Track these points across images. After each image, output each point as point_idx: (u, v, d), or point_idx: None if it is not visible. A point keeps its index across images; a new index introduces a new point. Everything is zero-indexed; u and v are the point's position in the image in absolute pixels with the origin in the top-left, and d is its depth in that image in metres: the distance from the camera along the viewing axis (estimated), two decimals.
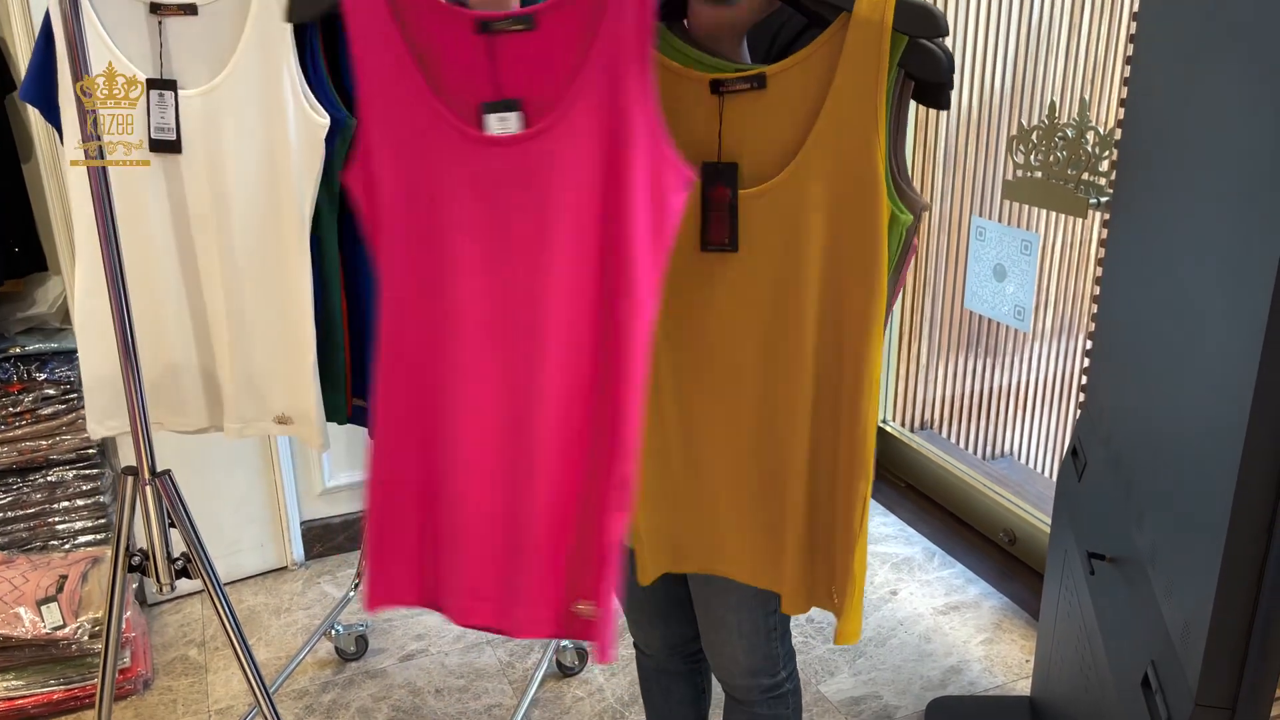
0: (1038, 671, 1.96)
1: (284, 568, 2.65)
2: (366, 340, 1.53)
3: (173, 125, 1.37)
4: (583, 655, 2.22)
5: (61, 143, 1.43)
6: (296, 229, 1.40)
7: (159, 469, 1.35)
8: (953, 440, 3.06)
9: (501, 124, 1.03)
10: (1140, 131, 1.51)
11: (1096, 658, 1.48)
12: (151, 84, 1.35)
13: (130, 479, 1.35)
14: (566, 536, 1.11)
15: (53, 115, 1.41)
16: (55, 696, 2.07)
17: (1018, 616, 2.39)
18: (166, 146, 1.38)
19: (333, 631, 2.27)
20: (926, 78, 1.05)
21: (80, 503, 2.33)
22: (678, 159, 1.03)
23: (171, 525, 1.36)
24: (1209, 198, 1.20)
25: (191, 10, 1.35)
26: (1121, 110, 1.64)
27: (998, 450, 3.10)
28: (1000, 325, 2.95)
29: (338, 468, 2.66)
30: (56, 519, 2.33)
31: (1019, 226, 2.75)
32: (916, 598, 2.48)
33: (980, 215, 2.82)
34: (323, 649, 2.29)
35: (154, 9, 1.35)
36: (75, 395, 2.26)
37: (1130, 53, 1.62)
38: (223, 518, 2.51)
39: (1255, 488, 1.04)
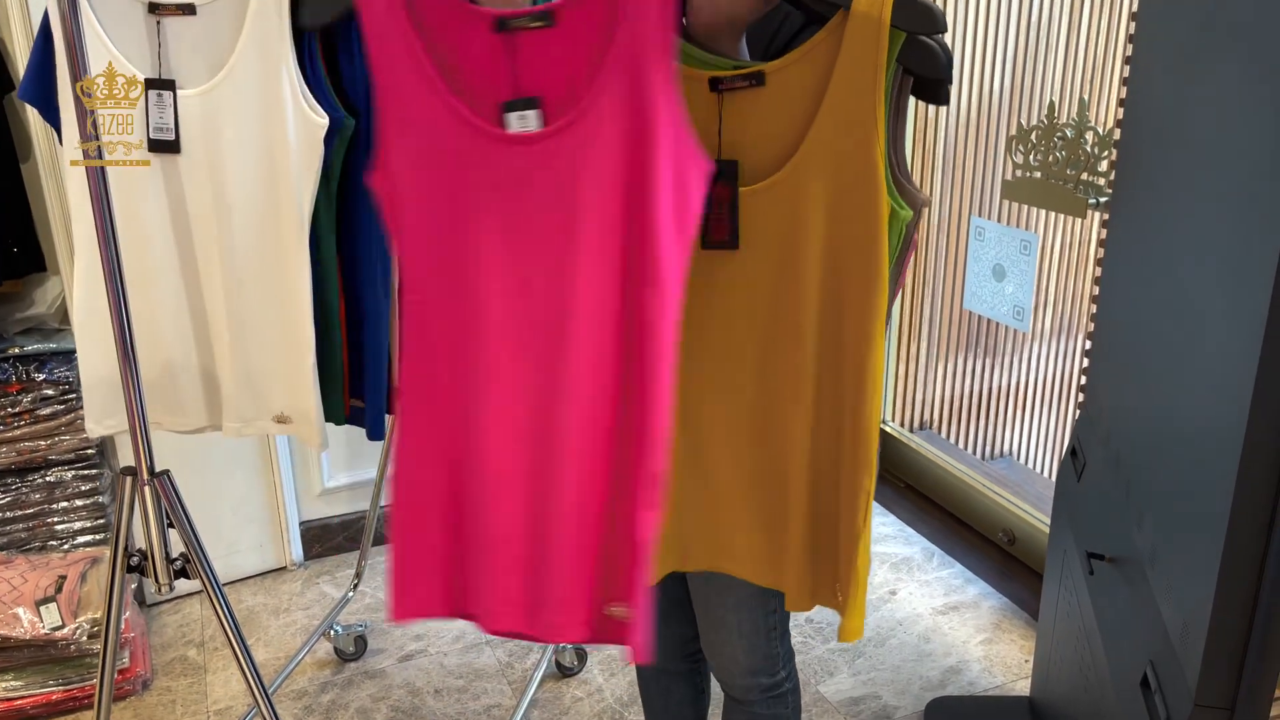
0: (1037, 672, 1.96)
1: (283, 568, 2.65)
2: (364, 341, 1.53)
3: (171, 125, 1.37)
4: (582, 656, 2.21)
5: (60, 143, 1.43)
6: (295, 229, 1.40)
7: (158, 469, 1.35)
8: (952, 440, 3.06)
9: (521, 122, 1.02)
10: (1139, 131, 1.51)
11: (1096, 658, 1.48)
12: (150, 84, 1.35)
13: (129, 479, 1.34)
14: (596, 537, 1.09)
15: (51, 115, 1.41)
16: (54, 697, 2.07)
17: (1017, 616, 2.39)
18: (165, 147, 1.38)
19: (332, 632, 2.27)
20: (925, 74, 1.05)
21: (79, 503, 2.33)
22: (699, 150, 1.02)
23: (170, 525, 1.36)
24: (1208, 197, 1.20)
25: (190, 10, 1.35)
26: (1120, 110, 1.64)
27: (997, 450, 3.10)
28: (999, 325, 2.95)
29: (337, 468, 2.66)
30: (55, 519, 2.32)
31: (1018, 226, 2.75)
32: (916, 598, 2.47)
33: (979, 215, 2.82)
34: (322, 649, 2.29)
35: (152, 9, 1.35)
36: (74, 396, 2.26)
37: (1129, 52, 1.62)
38: (222, 518, 2.51)
39: (1255, 487, 1.04)
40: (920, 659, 2.24)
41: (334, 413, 1.53)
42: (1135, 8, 1.60)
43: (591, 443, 1.06)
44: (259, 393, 1.49)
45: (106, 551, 2.26)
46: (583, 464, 1.07)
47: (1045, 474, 3.08)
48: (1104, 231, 1.75)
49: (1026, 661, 2.22)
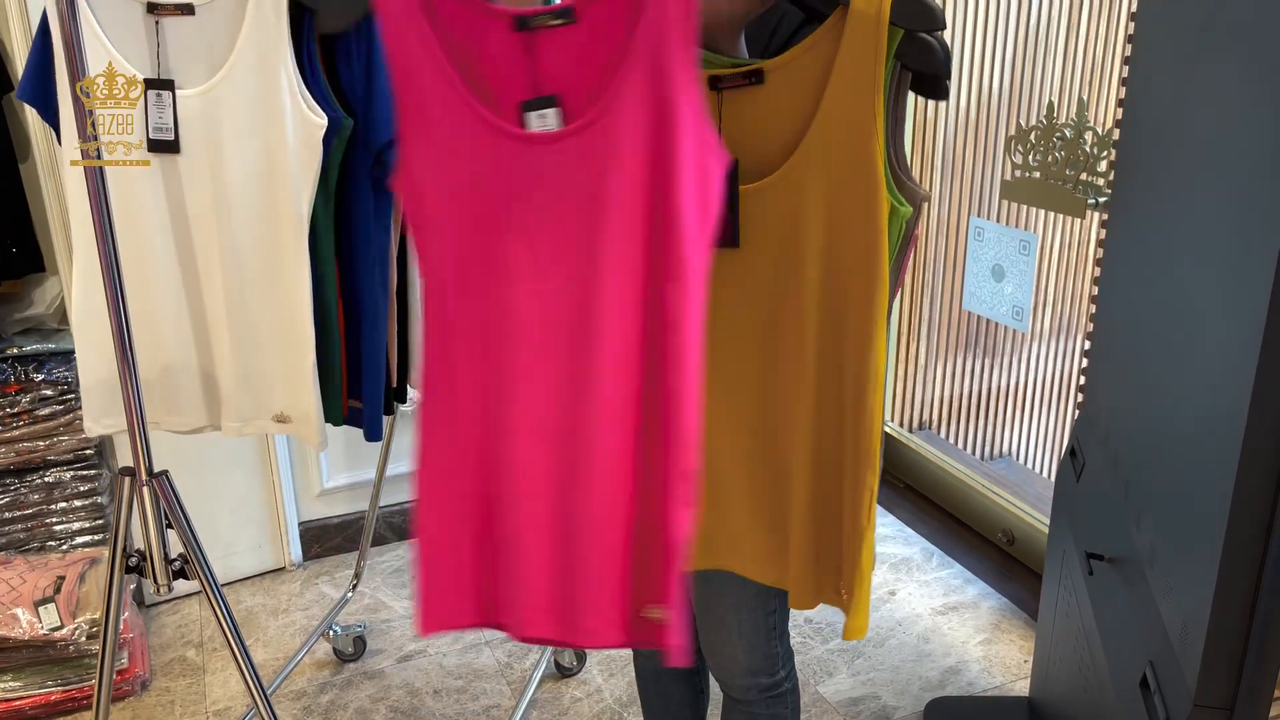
0: (1036, 672, 1.96)
1: (282, 568, 2.65)
2: (362, 342, 1.52)
3: (171, 125, 1.37)
4: (581, 656, 2.21)
5: (59, 143, 1.43)
6: (294, 229, 1.40)
7: (156, 470, 1.35)
8: (951, 441, 3.06)
9: (541, 121, 1.01)
10: (1138, 131, 1.51)
11: (1095, 658, 1.48)
12: (149, 84, 1.35)
13: (127, 480, 1.34)
14: (627, 538, 1.07)
15: (50, 115, 1.41)
16: (53, 697, 2.07)
17: (1016, 617, 2.39)
18: (165, 147, 1.38)
19: (331, 632, 2.27)
20: (923, 69, 1.05)
21: (78, 503, 2.33)
22: (719, 145, 1.01)
23: (169, 526, 1.36)
24: (1207, 197, 1.19)
25: (188, 10, 1.35)
26: (1120, 110, 1.64)
27: (996, 450, 3.10)
28: (998, 325, 2.95)
29: (336, 468, 2.66)
30: (54, 520, 2.32)
31: (1017, 227, 2.74)
32: (915, 598, 2.47)
33: (978, 215, 2.82)
34: (321, 650, 2.28)
35: (151, 9, 1.35)
36: (73, 396, 2.26)
37: (1128, 53, 1.62)
38: (220, 518, 2.51)
39: (1254, 488, 1.04)
40: (919, 659, 2.24)
41: (332, 414, 1.53)
42: (1134, 8, 1.60)
43: (619, 441, 1.05)
44: (259, 392, 1.49)
45: (105, 552, 2.26)
46: (610, 463, 1.05)
47: (1044, 474, 3.08)
48: (1103, 231, 1.75)
49: (1026, 662, 2.22)
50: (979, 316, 2.87)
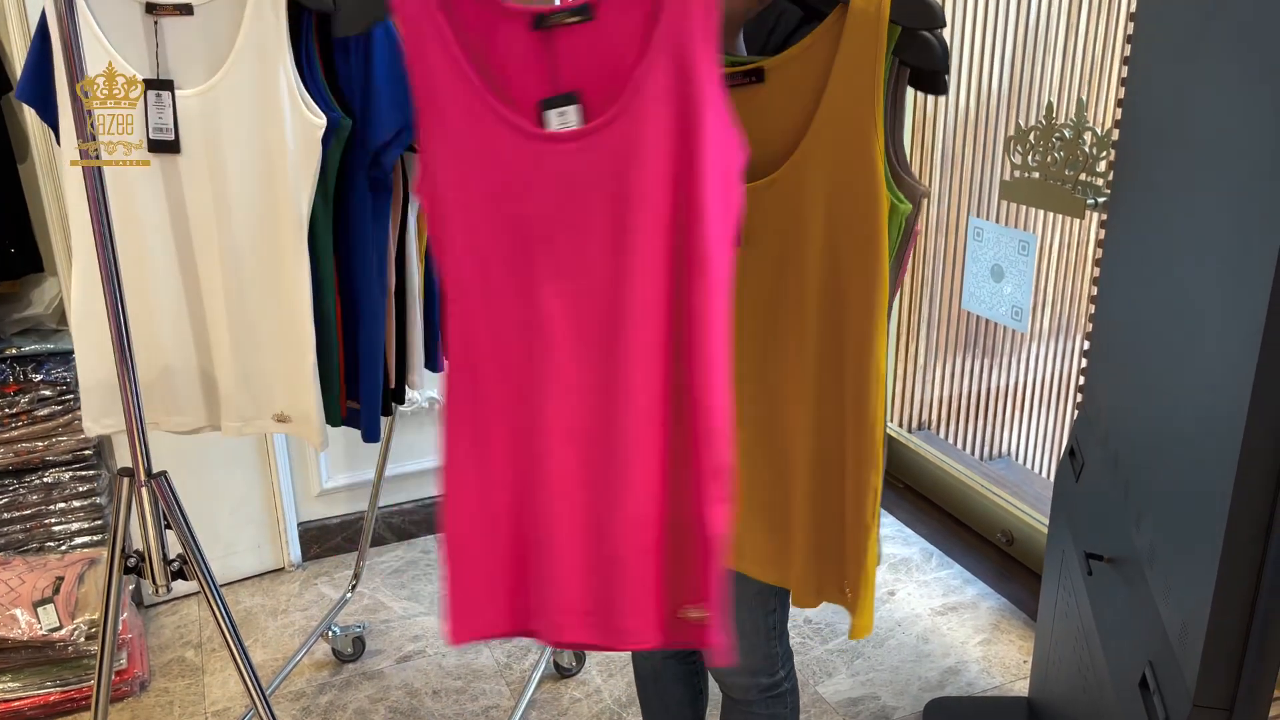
0: (1035, 672, 1.96)
1: (281, 569, 2.64)
2: (360, 343, 1.52)
3: (171, 125, 1.37)
4: (580, 657, 2.21)
5: (58, 143, 1.43)
6: (293, 229, 1.40)
7: (155, 470, 1.35)
8: (950, 441, 3.06)
9: (561, 119, 1.01)
10: (1138, 131, 1.51)
11: (1094, 658, 1.48)
12: (149, 84, 1.35)
13: (126, 480, 1.34)
14: (660, 536, 1.06)
15: (49, 115, 1.41)
16: (52, 698, 2.06)
17: (1015, 617, 2.39)
18: (165, 147, 1.38)
19: (330, 633, 2.27)
20: (922, 66, 1.05)
21: (76, 504, 2.33)
22: (740, 139, 1.01)
23: (168, 527, 1.36)
24: (1207, 197, 1.19)
25: (187, 10, 1.35)
26: (1119, 110, 1.64)
27: (995, 451, 3.10)
28: (998, 326, 2.95)
29: (335, 469, 2.65)
30: (53, 520, 2.32)
31: (1016, 227, 2.75)
32: (914, 598, 2.47)
33: (978, 216, 2.82)
34: (320, 650, 2.28)
35: (149, 9, 1.35)
36: (71, 397, 2.26)
37: (1128, 52, 1.62)
38: (220, 519, 2.51)
39: (1253, 488, 1.04)
40: (919, 660, 2.24)
41: (330, 414, 1.53)
42: (1134, 7, 1.59)
43: (649, 440, 1.04)
44: (259, 392, 1.49)
45: (104, 553, 2.26)
46: (641, 462, 1.04)
47: (1044, 474, 3.08)
48: (1102, 232, 1.75)
49: (1025, 662, 2.22)
50: (978, 316, 2.87)
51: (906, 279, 2.85)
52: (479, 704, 2.12)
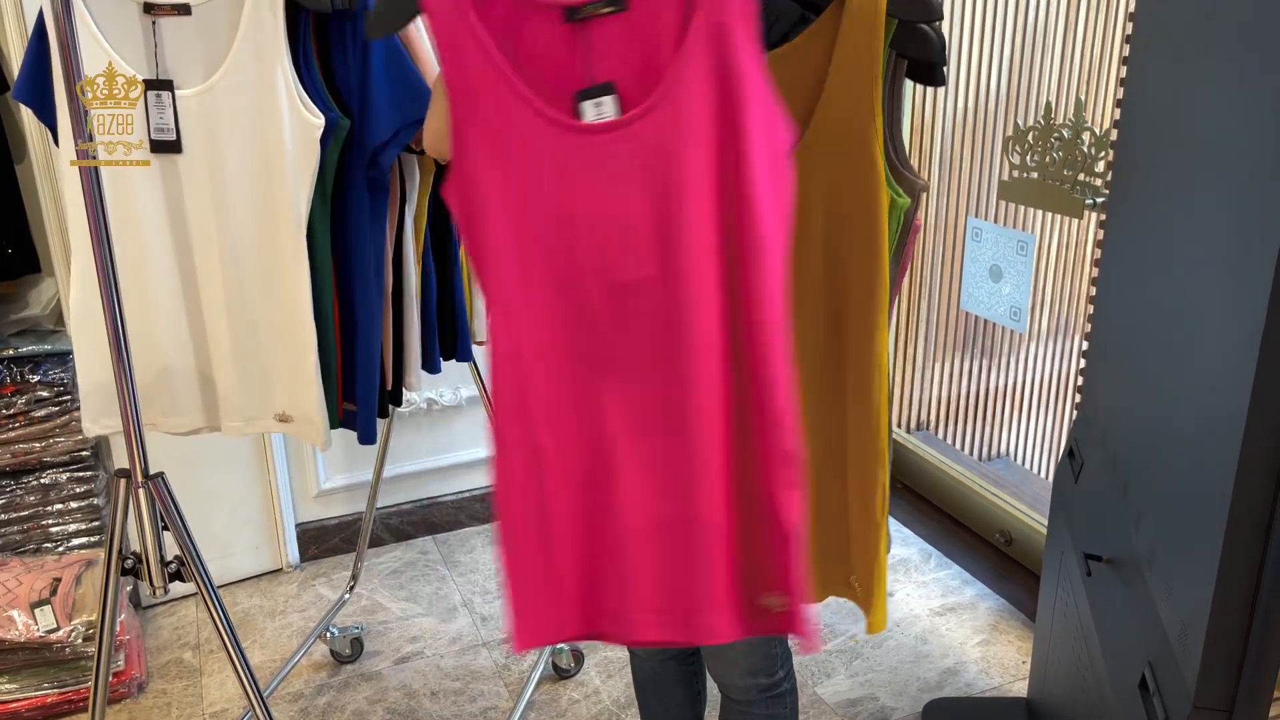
0: (1034, 673, 1.95)
1: (279, 570, 2.64)
2: (357, 344, 1.52)
3: (172, 125, 1.37)
4: (579, 657, 2.21)
5: (56, 144, 1.42)
6: (292, 229, 1.39)
7: (152, 471, 1.35)
8: (949, 441, 3.06)
9: (597, 109, 0.99)
10: (1136, 131, 1.51)
11: (1093, 659, 1.48)
12: (149, 84, 1.35)
13: (123, 482, 1.34)
14: (731, 525, 1.04)
15: (47, 115, 1.40)
16: (49, 700, 2.06)
17: (1014, 618, 2.39)
18: (167, 147, 1.38)
19: (328, 634, 2.27)
20: (919, 58, 1.05)
21: (74, 505, 2.32)
22: (786, 116, 0.99)
23: (165, 528, 1.36)
24: (1206, 197, 1.19)
25: (185, 10, 1.35)
26: (1117, 110, 1.64)
27: (994, 451, 3.10)
28: (996, 326, 2.95)
29: (333, 470, 2.65)
30: (50, 521, 2.32)
31: (1015, 227, 2.74)
32: (913, 599, 2.47)
33: (976, 216, 2.82)
34: (318, 652, 2.28)
35: (147, 9, 1.35)
36: (69, 398, 2.25)
37: (1126, 53, 1.62)
38: (217, 520, 2.51)
39: (1253, 488, 1.04)
40: (917, 660, 2.24)
41: (328, 416, 1.53)
42: (1132, 8, 1.59)
43: (713, 429, 1.02)
44: (261, 392, 1.49)
45: (101, 554, 2.25)
46: (707, 452, 1.03)
47: (1042, 475, 3.08)
48: (1101, 232, 1.75)
49: (1024, 663, 2.22)
50: (977, 317, 2.86)
51: (905, 279, 2.85)
52: (477, 705, 2.12)
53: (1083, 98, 2.68)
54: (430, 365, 1.68)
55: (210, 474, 2.45)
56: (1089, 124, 1.81)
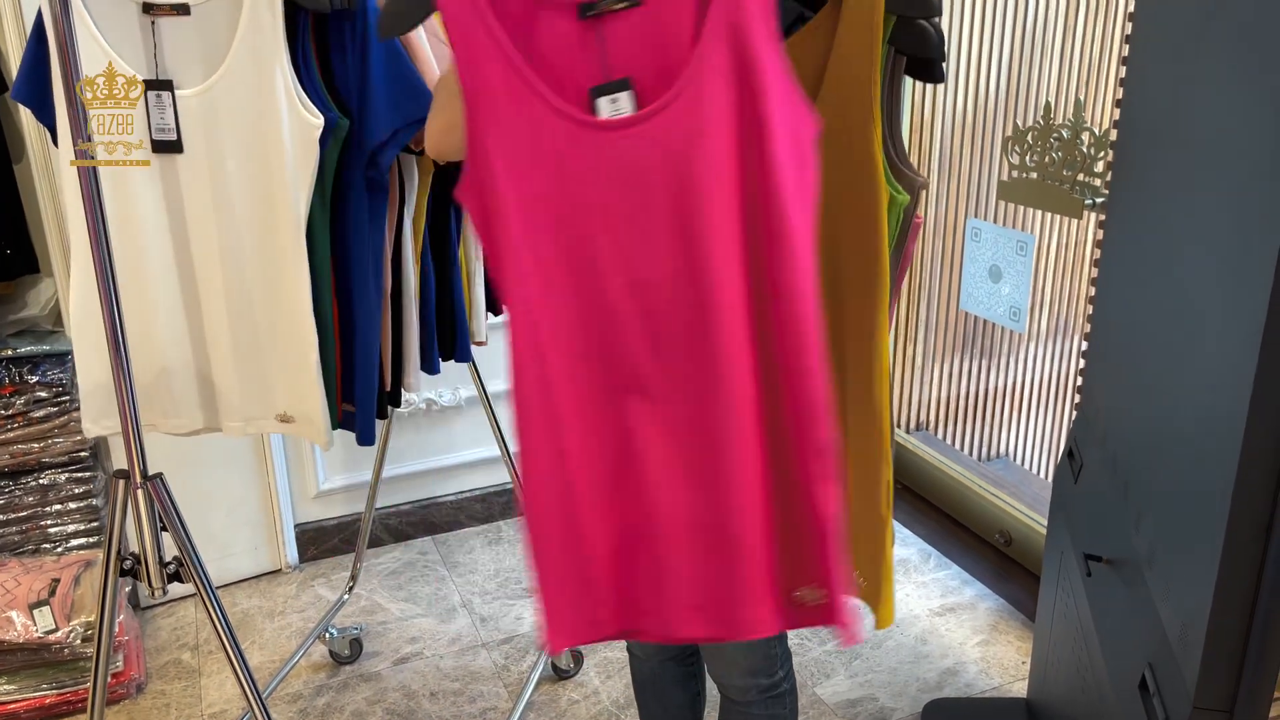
0: (1034, 673, 1.95)
1: (278, 571, 2.64)
2: (355, 345, 1.52)
3: (173, 125, 1.37)
4: (578, 658, 2.21)
5: (55, 144, 1.42)
6: (292, 229, 1.39)
7: (151, 472, 1.34)
8: (949, 442, 3.06)
9: (613, 106, 0.99)
10: (1135, 132, 1.51)
11: (1093, 660, 1.48)
12: (149, 84, 1.35)
13: (122, 482, 1.34)
14: (766, 519, 1.04)
15: (46, 115, 1.40)
16: (47, 701, 2.06)
17: (1014, 618, 2.39)
18: (168, 147, 1.38)
19: (327, 635, 2.26)
20: (918, 54, 1.05)
21: (72, 506, 2.32)
22: (808, 105, 0.99)
23: (164, 528, 1.36)
24: (1206, 197, 1.19)
25: (184, 10, 1.35)
26: (1117, 111, 1.63)
27: (994, 451, 3.10)
28: (996, 326, 2.95)
29: (332, 470, 2.65)
30: (49, 522, 2.31)
31: (1014, 227, 2.74)
32: (913, 599, 2.47)
33: (975, 216, 2.82)
34: (317, 652, 2.28)
35: (146, 9, 1.35)
36: (68, 398, 2.25)
37: (1126, 53, 1.62)
38: (216, 520, 2.50)
39: (1253, 488, 1.04)
40: (917, 660, 2.24)
41: None
42: (1131, 8, 1.59)
43: (745, 424, 1.01)
44: (261, 392, 1.49)
45: (100, 555, 2.25)
46: (739, 448, 1.02)
47: (1042, 475, 3.08)
48: (1100, 232, 1.74)
49: (1024, 663, 2.22)
50: (976, 317, 2.86)
51: (904, 283, 2.85)
52: (477, 706, 2.12)
53: (1082, 98, 2.68)
54: (429, 366, 1.68)
55: (209, 475, 2.45)
56: (1088, 124, 1.81)
